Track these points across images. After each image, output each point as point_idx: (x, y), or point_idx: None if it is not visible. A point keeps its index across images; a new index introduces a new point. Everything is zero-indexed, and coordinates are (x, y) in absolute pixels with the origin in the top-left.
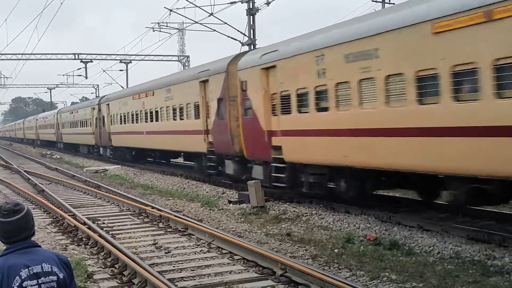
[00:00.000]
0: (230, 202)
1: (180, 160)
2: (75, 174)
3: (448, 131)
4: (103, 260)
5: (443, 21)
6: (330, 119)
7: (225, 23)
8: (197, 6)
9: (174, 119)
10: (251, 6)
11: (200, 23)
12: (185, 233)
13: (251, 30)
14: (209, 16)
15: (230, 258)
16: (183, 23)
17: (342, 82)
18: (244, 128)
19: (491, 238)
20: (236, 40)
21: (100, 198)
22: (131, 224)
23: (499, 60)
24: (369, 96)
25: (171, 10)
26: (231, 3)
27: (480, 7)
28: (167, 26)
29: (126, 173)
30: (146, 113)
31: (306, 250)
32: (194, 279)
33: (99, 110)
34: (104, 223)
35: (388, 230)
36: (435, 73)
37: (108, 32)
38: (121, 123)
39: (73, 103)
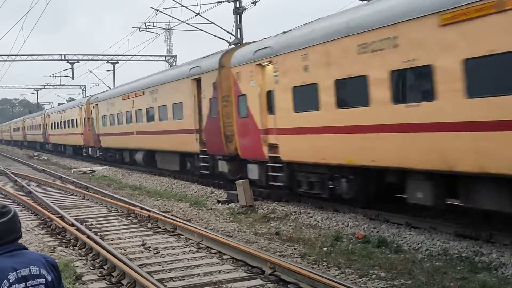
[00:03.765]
0: (218, 201)
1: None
2: (63, 176)
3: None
4: (91, 261)
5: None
6: (119, 128)
7: (212, 22)
8: (183, 6)
9: (72, 127)
10: (237, 6)
11: (187, 23)
12: (174, 233)
13: (238, 29)
14: (195, 15)
15: (219, 258)
16: (169, 23)
17: (128, 111)
18: (89, 133)
19: (479, 235)
20: (223, 39)
21: (88, 199)
22: (119, 225)
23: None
24: (132, 119)
25: (157, 10)
26: (218, 2)
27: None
28: (153, 26)
29: (114, 174)
30: (64, 122)
31: (295, 249)
32: (183, 279)
33: (45, 118)
34: (92, 224)
35: (377, 227)
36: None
37: (97, 34)
38: (54, 128)
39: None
